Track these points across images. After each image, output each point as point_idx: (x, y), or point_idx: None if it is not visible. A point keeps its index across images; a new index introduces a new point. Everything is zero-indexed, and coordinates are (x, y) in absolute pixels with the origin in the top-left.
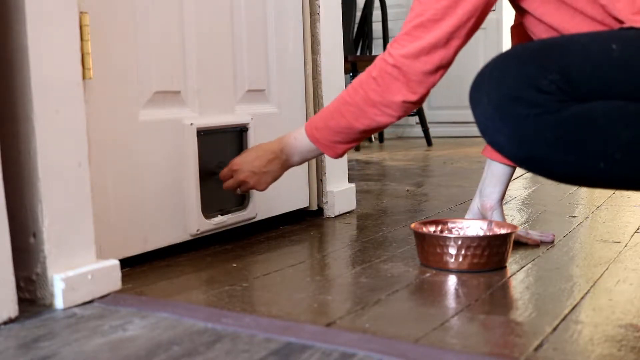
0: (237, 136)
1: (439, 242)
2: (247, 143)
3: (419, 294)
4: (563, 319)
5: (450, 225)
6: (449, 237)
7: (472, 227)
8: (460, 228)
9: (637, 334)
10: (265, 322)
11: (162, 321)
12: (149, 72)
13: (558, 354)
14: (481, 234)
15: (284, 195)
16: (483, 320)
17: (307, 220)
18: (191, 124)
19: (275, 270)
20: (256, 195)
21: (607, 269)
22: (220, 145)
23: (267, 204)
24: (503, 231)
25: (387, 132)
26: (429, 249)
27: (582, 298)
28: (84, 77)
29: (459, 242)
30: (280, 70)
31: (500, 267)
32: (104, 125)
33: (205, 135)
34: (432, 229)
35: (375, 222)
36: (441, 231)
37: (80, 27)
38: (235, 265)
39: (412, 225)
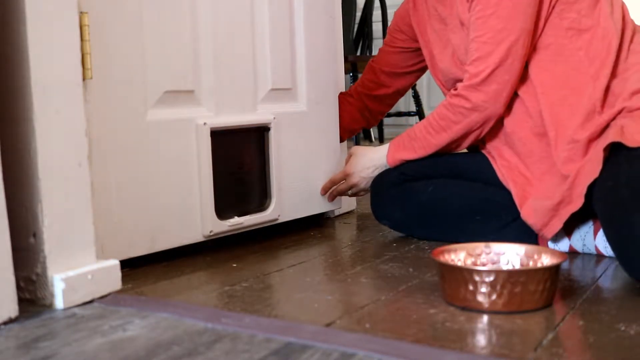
0: (257, 136)
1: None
2: (268, 143)
3: (419, 294)
4: (563, 319)
5: (477, 251)
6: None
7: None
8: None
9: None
10: (265, 322)
11: (162, 321)
12: (158, 71)
13: (558, 354)
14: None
15: (307, 201)
16: (483, 320)
17: (307, 220)
18: (204, 123)
19: (275, 270)
20: (279, 196)
21: (607, 268)
22: (237, 145)
23: (288, 207)
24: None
25: (386, 132)
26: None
27: (582, 298)
28: (84, 77)
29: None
30: (310, 67)
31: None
32: (107, 125)
33: (221, 135)
34: (453, 256)
35: (375, 222)
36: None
37: (81, 27)
38: (235, 265)
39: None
